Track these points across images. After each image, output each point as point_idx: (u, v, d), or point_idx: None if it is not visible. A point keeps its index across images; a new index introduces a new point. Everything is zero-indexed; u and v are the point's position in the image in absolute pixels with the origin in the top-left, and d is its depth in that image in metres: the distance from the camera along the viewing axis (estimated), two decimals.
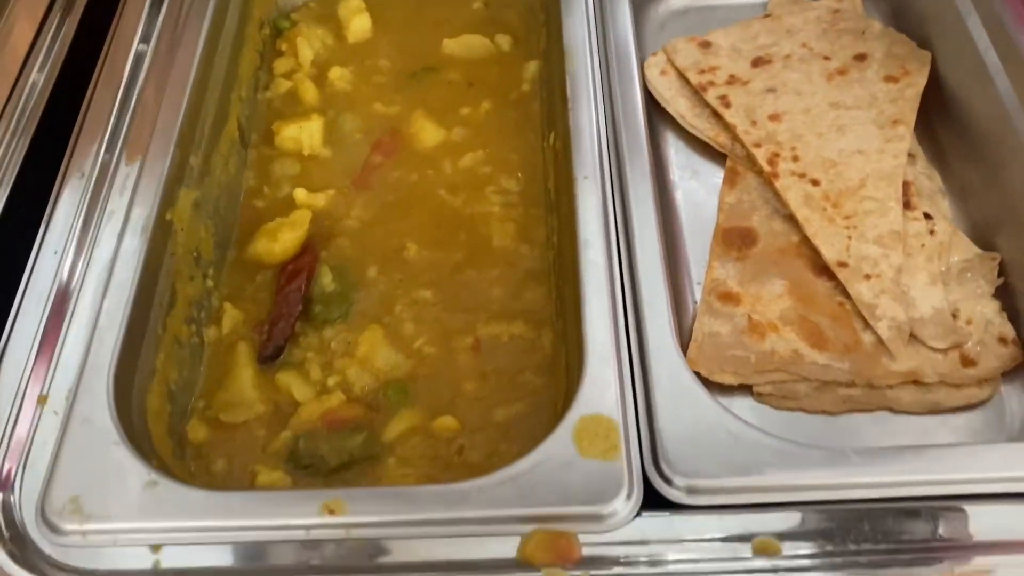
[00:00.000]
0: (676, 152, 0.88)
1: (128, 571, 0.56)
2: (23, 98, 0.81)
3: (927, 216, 0.77)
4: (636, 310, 0.67)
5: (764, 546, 0.55)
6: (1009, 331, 0.71)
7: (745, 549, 0.55)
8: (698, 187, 0.85)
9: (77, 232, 0.73)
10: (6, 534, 0.58)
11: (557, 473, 0.58)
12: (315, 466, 0.69)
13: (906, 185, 0.78)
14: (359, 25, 1.01)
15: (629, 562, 0.55)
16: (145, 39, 0.87)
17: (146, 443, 0.65)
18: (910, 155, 0.81)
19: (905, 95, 0.84)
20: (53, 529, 0.58)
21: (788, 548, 0.56)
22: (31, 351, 0.66)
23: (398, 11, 1.04)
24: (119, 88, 0.83)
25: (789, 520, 0.57)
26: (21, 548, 0.57)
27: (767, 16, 0.96)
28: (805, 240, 0.77)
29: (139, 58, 0.85)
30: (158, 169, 0.76)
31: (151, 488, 0.59)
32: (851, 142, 0.81)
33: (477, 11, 1.04)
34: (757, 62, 0.90)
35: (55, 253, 0.71)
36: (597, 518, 0.57)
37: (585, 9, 0.89)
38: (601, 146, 0.78)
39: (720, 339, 0.71)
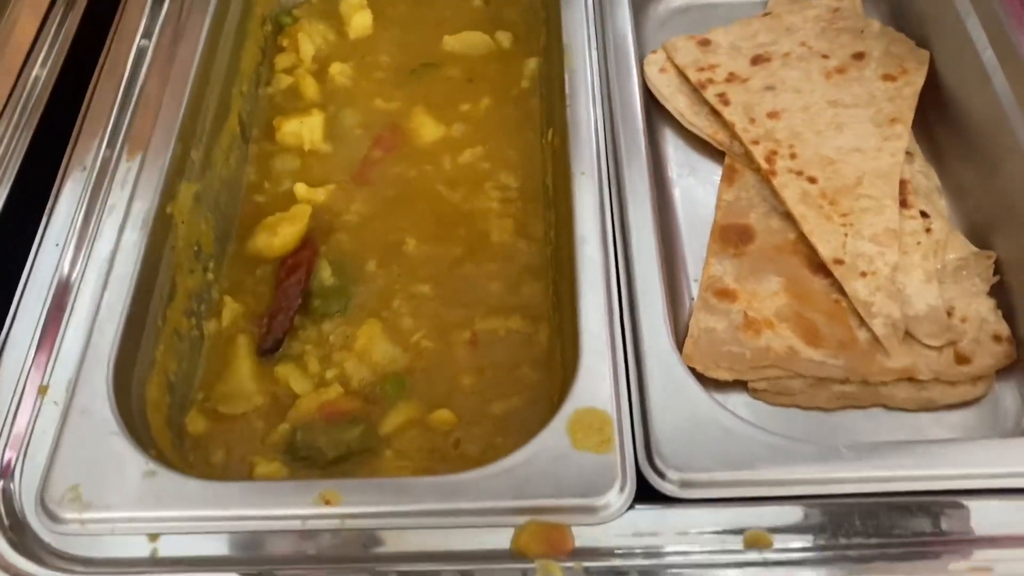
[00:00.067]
0: (675, 149, 0.89)
1: (126, 559, 0.57)
2: (26, 92, 0.82)
3: (924, 214, 0.77)
4: (631, 305, 0.67)
5: (755, 539, 0.56)
6: (1003, 329, 0.71)
7: (736, 542, 0.56)
8: (696, 184, 0.85)
9: (78, 225, 0.73)
10: (6, 522, 0.59)
11: (551, 466, 0.59)
12: (312, 458, 0.69)
13: (903, 183, 0.79)
14: (360, 21, 1.02)
15: (622, 554, 0.56)
16: (147, 34, 0.88)
17: (145, 434, 0.65)
18: (908, 153, 0.82)
19: (903, 94, 0.85)
20: (52, 517, 0.58)
21: (779, 541, 0.56)
22: (32, 342, 0.67)
23: (399, 7, 1.04)
24: (121, 82, 0.83)
25: (780, 514, 0.57)
26: (21, 536, 0.58)
27: (767, 14, 0.96)
28: (802, 237, 0.77)
29: (141, 53, 0.86)
30: (159, 163, 0.77)
31: (149, 478, 0.60)
32: (849, 140, 0.82)
33: (478, 8, 1.05)
34: (756, 60, 0.90)
35: (56, 246, 0.72)
36: (590, 510, 0.57)
37: (585, 7, 0.89)
38: (599, 143, 0.78)
39: (716, 335, 0.72)
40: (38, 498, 0.59)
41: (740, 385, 0.71)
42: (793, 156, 0.81)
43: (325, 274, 0.80)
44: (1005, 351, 0.70)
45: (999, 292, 0.74)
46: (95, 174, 0.76)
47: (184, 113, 0.81)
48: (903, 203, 0.77)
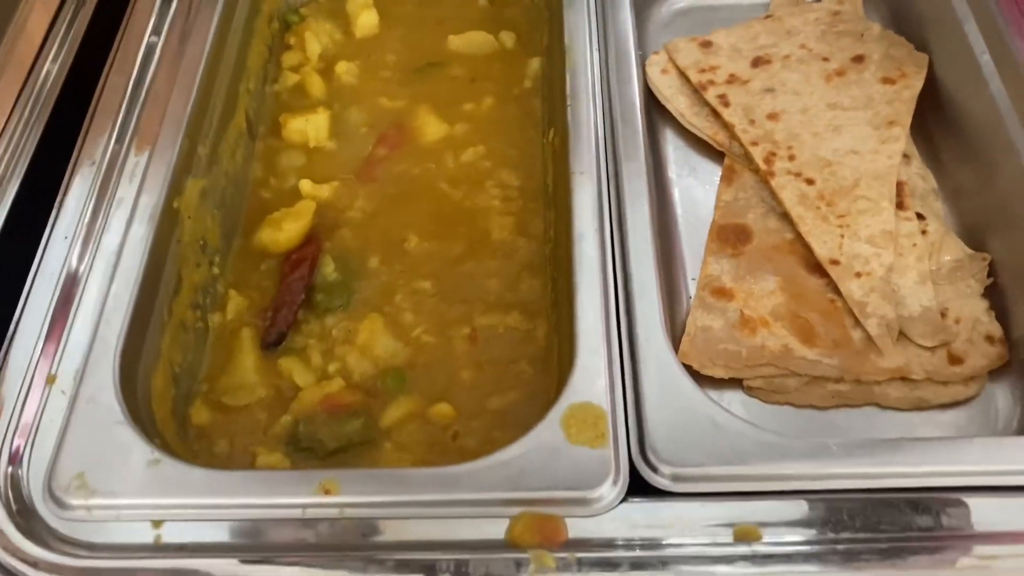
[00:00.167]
0: (675, 150, 0.89)
1: (130, 544, 0.58)
2: (37, 88, 0.83)
3: (920, 216, 0.78)
4: (628, 303, 0.68)
5: (745, 533, 0.57)
6: (996, 330, 0.72)
7: (727, 535, 0.57)
8: (696, 184, 0.86)
9: (87, 218, 0.75)
10: (15, 508, 0.60)
11: (546, 459, 0.60)
12: (314, 449, 0.71)
13: (900, 185, 0.79)
14: (366, 21, 1.03)
15: (614, 545, 0.57)
16: (156, 32, 0.89)
17: (150, 423, 0.67)
18: (905, 156, 0.82)
19: (902, 97, 0.85)
20: (59, 504, 0.60)
21: (769, 535, 0.57)
22: (40, 333, 0.68)
23: (405, 7, 1.06)
24: (130, 79, 0.84)
25: (770, 508, 0.58)
26: (29, 521, 0.59)
27: (768, 17, 0.97)
28: (799, 238, 0.78)
29: (150, 50, 0.87)
30: (167, 158, 0.78)
31: (154, 466, 0.61)
32: (847, 142, 0.82)
33: (482, 8, 1.06)
34: (757, 62, 0.91)
35: (65, 239, 0.73)
36: (584, 502, 0.58)
37: (587, 8, 0.90)
38: (598, 142, 0.79)
39: (712, 333, 0.73)
40: (46, 485, 0.60)
41: (736, 383, 0.72)
42: (791, 157, 0.82)
43: (328, 269, 0.82)
44: (998, 352, 0.71)
45: (993, 294, 0.74)
46: (103, 169, 0.78)
47: (192, 109, 0.82)
48: (900, 205, 0.78)
